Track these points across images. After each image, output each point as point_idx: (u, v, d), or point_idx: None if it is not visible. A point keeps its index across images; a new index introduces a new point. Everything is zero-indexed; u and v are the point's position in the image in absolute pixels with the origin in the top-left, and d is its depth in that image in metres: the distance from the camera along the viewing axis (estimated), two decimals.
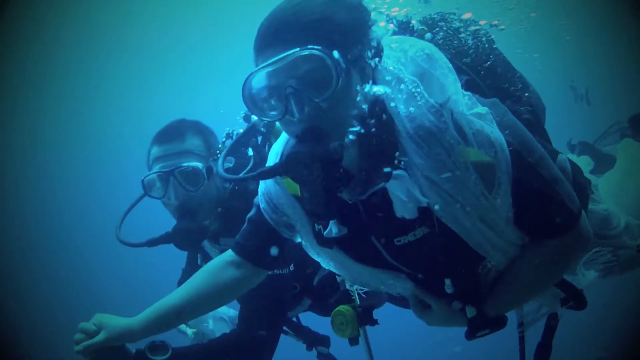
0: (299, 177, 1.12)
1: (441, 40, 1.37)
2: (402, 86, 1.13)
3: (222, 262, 1.54)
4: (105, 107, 9.44)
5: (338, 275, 1.53)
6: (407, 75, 1.14)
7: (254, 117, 1.76)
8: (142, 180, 1.89)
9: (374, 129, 1.11)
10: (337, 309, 1.59)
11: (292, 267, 1.81)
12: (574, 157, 2.14)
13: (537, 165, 1.16)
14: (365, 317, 1.58)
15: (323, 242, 1.30)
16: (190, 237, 1.86)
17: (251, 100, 1.14)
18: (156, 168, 1.87)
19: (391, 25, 1.34)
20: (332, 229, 1.23)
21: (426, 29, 1.38)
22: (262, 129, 1.79)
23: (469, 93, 1.18)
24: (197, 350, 1.72)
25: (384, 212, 1.18)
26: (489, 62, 1.39)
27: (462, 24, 1.41)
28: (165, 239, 1.87)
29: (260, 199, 1.45)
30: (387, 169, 1.12)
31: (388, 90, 1.13)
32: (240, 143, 1.76)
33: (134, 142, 9.47)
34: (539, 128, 1.42)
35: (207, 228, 1.88)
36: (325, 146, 1.06)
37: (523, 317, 1.44)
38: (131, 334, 1.51)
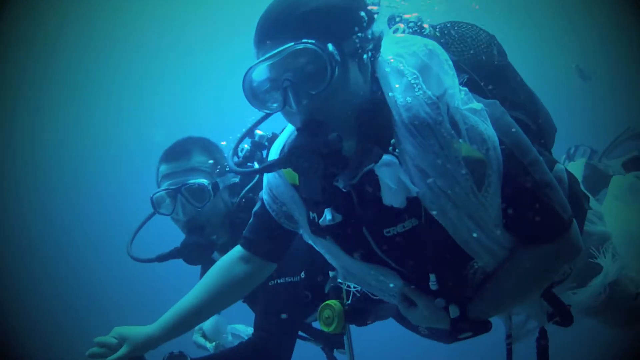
0: (300, 170, 1.15)
1: (451, 45, 1.39)
2: (402, 77, 1.16)
3: (232, 259, 1.61)
4: (106, 108, 9.44)
5: (332, 270, 1.54)
6: (407, 67, 1.17)
7: (258, 133, 1.86)
8: (151, 198, 1.97)
9: (371, 118, 1.15)
10: (326, 302, 1.61)
11: (302, 275, 1.85)
12: (571, 166, 2.13)
13: (529, 168, 1.17)
14: (352, 316, 1.59)
15: (317, 231, 1.33)
16: (199, 252, 1.93)
17: (252, 94, 1.17)
18: (164, 185, 1.95)
19: (401, 25, 1.37)
20: (327, 215, 1.25)
21: (438, 33, 1.41)
22: (266, 143, 1.89)
23: (465, 89, 1.19)
24: (217, 358, 1.81)
25: (375, 202, 1.19)
26: (494, 69, 1.39)
27: (473, 31, 1.43)
28: (174, 254, 1.95)
29: (263, 192, 1.50)
30: (378, 152, 1.15)
31: (387, 79, 1.16)
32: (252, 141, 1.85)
33: (135, 142, 9.49)
34: (539, 137, 1.41)
35: (215, 242, 1.95)
36: (323, 138, 1.09)
37: (511, 328, 1.43)
38: (153, 340, 1.56)
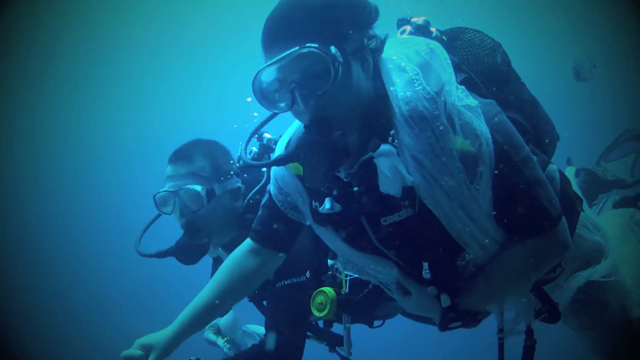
0: (307, 164, 1.24)
1: (457, 48, 1.46)
2: (403, 73, 1.23)
3: (242, 252, 1.66)
4: (106, 108, 9.44)
5: (333, 259, 1.60)
6: (408, 64, 1.24)
7: (266, 136, 1.95)
8: (154, 197, 2.04)
9: (373, 111, 1.22)
10: (321, 288, 1.67)
11: (308, 274, 1.90)
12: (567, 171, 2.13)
13: (520, 164, 1.22)
14: (345, 305, 1.65)
15: (319, 219, 1.39)
16: (189, 253, 2.01)
17: (261, 95, 1.25)
18: (165, 187, 2.04)
19: (408, 27, 1.45)
20: (326, 204, 1.31)
21: (445, 37, 1.48)
22: (274, 146, 1.95)
23: (462, 87, 1.25)
24: None
25: (373, 191, 1.26)
26: (497, 73, 1.45)
27: (479, 37, 1.49)
28: (169, 252, 2.01)
29: (270, 184, 1.58)
30: (377, 142, 1.22)
31: (390, 75, 1.23)
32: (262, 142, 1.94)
33: (135, 142, 9.49)
34: (535, 138, 1.46)
35: (207, 245, 2.02)
36: (328, 136, 1.18)
37: (503, 323, 1.47)
38: (175, 340, 1.61)
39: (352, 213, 1.33)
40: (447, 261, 1.34)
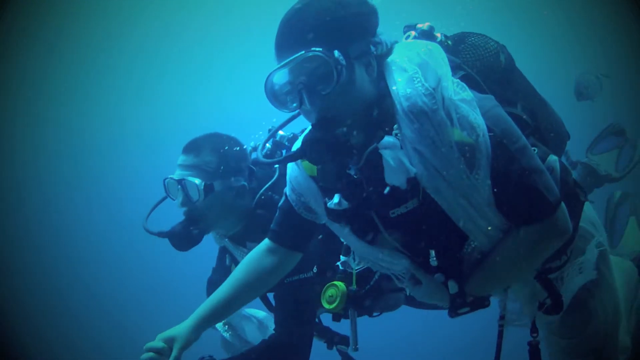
0: (314, 159, 1.34)
1: (461, 50, 1.55)
2: (404, 73, 1.32)
3: (260, 251, 1.76)
4: (106, 108, 9.44)
5: (346, 255, 1.68)
6: (409, 65, 1.33)
7: (279, 134, 2.06)
8: (164, 181, 2.14)
9: (375, 110, 1.33)
10: (332, 282, 1.75)
11: (315, 270, 1.98)
12: None
13: (516, 154, 1.29)
14: (355, 300, 1.73)
15: (333, 217, 1.47)
16: (181, 240, 2.09)
17: (273, 96, 1.36)
18: (174, 174, 2.11)
19: (412, 32, 1.56)
20: (334, 200, 1.40)
21: (450, 42, 1.58)
22: (287, 143, 2.08)
23: (457, 81, 1.34)
24: (243, 357, 1.94)
25: (381, 184, 1.34)
26: (500, 73, 1.54)
27: (483, 40, 1.58)
28: (166, 234, 2.10)
29: (287, 187, 1.67)
30: (381, 134, 1.31)
31: (392, 75, 1.33)
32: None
33: (136, 141, 9.48)
34: (536, 132, 1.52)
35: (199, 236, 2.11)
36: (332, 132, 1.28)
37: (505, 311, 1.52)
38: (195, 331, 1.69)
39: (362, 208, 1.41)
40: (453, 249, 1.40)
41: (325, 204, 1.47)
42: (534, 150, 1.35)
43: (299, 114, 1.49)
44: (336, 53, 1.26)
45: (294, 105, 1.34)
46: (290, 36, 1.30)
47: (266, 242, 1.76)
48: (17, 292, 7.79)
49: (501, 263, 1.37)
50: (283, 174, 2.00)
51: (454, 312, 1.42)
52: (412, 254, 1.46)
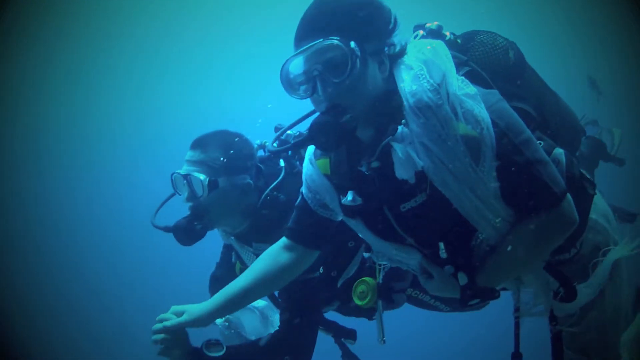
0: (320, 144, 1.39)
1: (470, 48, 1.59)
2: (410, 70, 1.37)
3: (278, 248, 1.81)
4: (107, 108, 9.44)
5: (368, 252, 1.70)
6: (415, 63, 1.38)
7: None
8: (171, 176, 2.17)
9: (385, 105, 1.37)
10: (361, 279, 1.83)
11: (321, 270, 2.02)
12: None
13: (521, 146, 1.32)
14: (384, 291, 1.80)
15: (348, 213, 1.53)
16: (184, 235, 2.10)
17: (287, 82, 1.41)
18: (182, 169, 2.14)
19: (421, 32, 1.60)
20: (348, 196, 1.46)
21: (459, 40, 1.61)
22: (292, 141, 2.02)
23: (462, 77, 1.38)
24: (248, 347, 2.02)
25: (392, 180, 1.38)
26: (509, 69, 1.57)
27: (491, 37, 1.62)
28: (171, 229, 2.11)
29: (303, 185, 1.71)
30: (394, 127, 1.36)
31: (400, 74, 1.38)
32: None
33: (136, 140, 9.47)
34: (544, 127, 1.55)
35: (199, 231, 2.11)
36: (339, 118, 1.32)
37: (519, 302, 1.54)
38: (206, 316, 1.75)
39: (375, 203, 1.46)
40: (462, 241, 1.43)
41: (340, 200, 1.53)
42: (540, 143, 1.38)
43: (306, 117, 1.58)
44: (352, 44, 1.31)
45: (307, 93, 1.39)
46: (309, 28, 1.36)
47: (283, 239, 1.80)
48: (18, 289, 7.79)
49: (509, 254, 1.38)
50: (289, 173, 2.14)
51: (464, 303, 1.43)
52: (423, 247, 1.49)
